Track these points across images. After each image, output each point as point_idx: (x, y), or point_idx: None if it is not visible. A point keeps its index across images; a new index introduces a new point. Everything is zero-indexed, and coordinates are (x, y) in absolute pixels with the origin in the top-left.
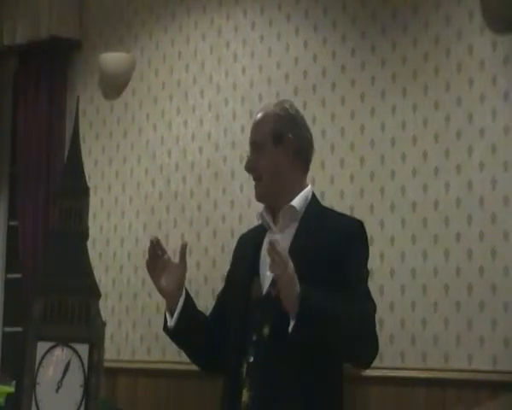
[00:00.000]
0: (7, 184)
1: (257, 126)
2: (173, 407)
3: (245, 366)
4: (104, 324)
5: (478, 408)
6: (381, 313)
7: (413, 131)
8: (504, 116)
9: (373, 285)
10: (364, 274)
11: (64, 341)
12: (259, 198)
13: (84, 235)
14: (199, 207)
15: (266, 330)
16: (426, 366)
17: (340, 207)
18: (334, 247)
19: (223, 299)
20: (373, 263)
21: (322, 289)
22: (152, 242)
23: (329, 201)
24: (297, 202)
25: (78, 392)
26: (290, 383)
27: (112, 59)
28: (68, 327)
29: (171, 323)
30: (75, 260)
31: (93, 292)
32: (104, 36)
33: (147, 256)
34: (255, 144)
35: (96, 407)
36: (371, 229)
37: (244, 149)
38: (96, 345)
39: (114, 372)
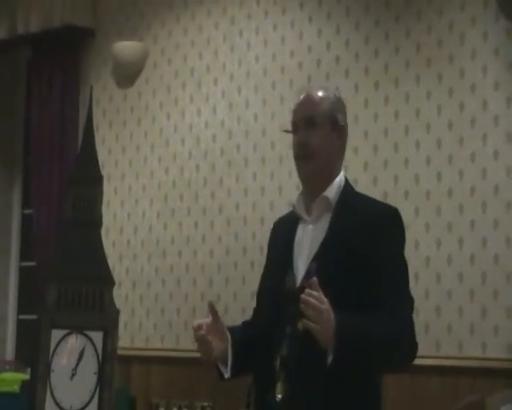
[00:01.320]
0: (21, 173)
1: (316, 104)
2: (187, 395)
3: (278, 359)
4: (118, 312)
5: (492, 396)
6: None
7: (427, 118)
8: None
9: None
10: (400, 267)
11: (78, 328)
12: (308, 176)
13: (97, 223)
14: (212, 196)
15: (301, 325)
16: (440, 354)
17: None
18: (367, 241)
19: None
20: None
21: (356, 291)
22: (199, 336)
23: None
24: (330, 191)
25: (92, 379)
26: (326, 376)
27: (125, 48)
28: (82, 315)
29: (227, 374)
30: (89, 248)
31: (107, 280)
32: (117, 25)
33: (158, 244)
34: (311, 121)
35: (110, 395)
36: None
37: (257, 137)
38: (110, 333)
39: (128, 360)
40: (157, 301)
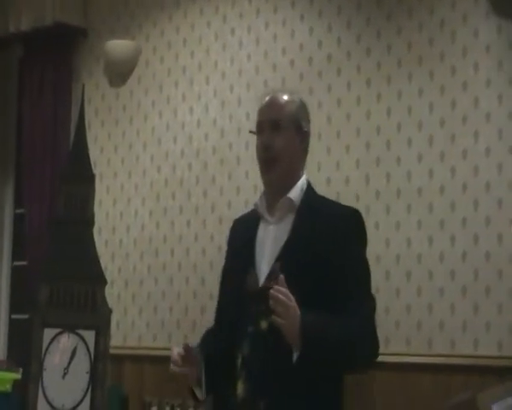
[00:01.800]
0: (13, 172)
1: (281, 107)
2: (179, 394)
3: (240, 358)
4: (110, 311)
5: (484, 393)
6: (386, 299)
7: (419, 116)
8: (510, 101)
9: (378, 271)
10: (363, 268)
11: (70, 327)
12: (273, 181)
13: (89, 222)
14: (204, 194)
15: (264, 324)
16: (431, 351)
17: (346, 193)
18: (330, 242)
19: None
20: (378, 249)
21: (319, 292)
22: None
23: (335, 187)
24: (293, 193)
25: (84, 378)
26: (289, 375)
27: (117, 46)
28: (74, 314)
29: (202, 395)
30: (81, 247)
31: (99, 279)
32: (109, 23)
33: (151, 242)
34: (276, 124)
35: (102, 394)
36: (377, 215)
37: (249, 135)
38: (102, 332)
39: (120, 359)
40: (149, 299)
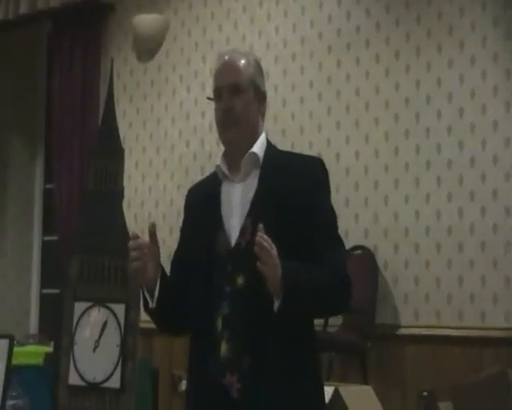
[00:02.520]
0: (42, 148)
1: (239, 70)
2: None
3: (219, 319)
4: None
5: None
6: (416, 271)
7: (449, 87)
8: None
9: (407, 244)
10: (332, 214)
11: (101, 301)
12: (234, 142)
13: (119, 196)
14: None
15: (240, 280)
16: (462, 324)
17: (375, 166)
18: (299, 190)
19: (181, 259)
20: (408, 221)
21: (292, 242)
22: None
23: (364, 160)
24: (256, 148)
25: (114, 352)
26: (270, 330)
27: (145, 21)
28: (105, 288)
29: (152, 304)
30: (111, 220)
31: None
32: None
33: (180, 217)
34: (236, 87)
35: (132, 367)
36: (406, 187)
37: (277, 108)
38: (133, 305)
39: (150, 333)
40: None
